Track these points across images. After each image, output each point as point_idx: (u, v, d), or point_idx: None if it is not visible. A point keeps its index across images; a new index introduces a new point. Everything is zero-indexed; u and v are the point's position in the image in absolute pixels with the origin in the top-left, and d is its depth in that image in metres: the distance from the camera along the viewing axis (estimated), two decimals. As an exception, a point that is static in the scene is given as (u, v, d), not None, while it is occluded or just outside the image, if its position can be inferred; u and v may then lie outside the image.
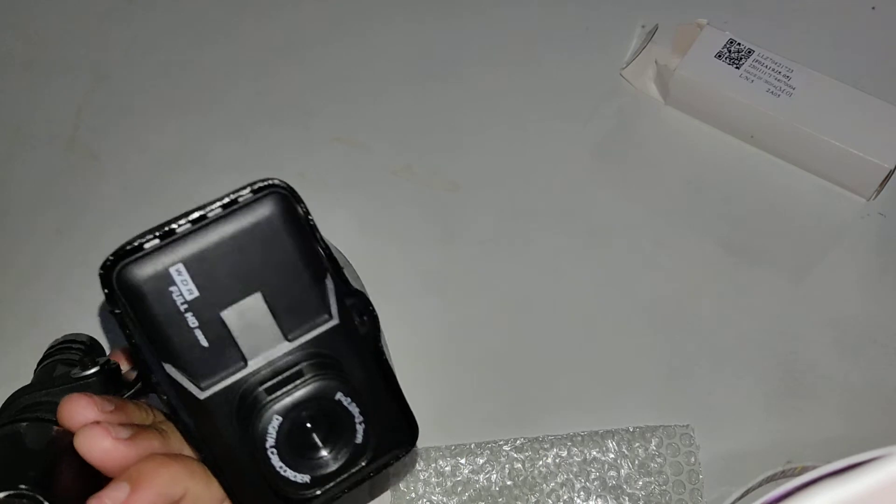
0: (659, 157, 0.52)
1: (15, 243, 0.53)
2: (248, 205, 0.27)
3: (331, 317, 0.28)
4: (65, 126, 0.56)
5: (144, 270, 0.26)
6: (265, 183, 0.27)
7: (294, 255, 0.27)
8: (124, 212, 0.53)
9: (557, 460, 0.44)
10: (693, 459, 0.44)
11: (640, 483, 0.44)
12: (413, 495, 0.43)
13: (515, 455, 0.44)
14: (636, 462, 0.44)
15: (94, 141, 0.55)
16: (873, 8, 0.55)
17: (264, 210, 0.27)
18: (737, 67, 0.50)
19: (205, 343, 0.27)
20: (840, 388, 0.46)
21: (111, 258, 0.26)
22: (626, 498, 0.43)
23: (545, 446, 0.44)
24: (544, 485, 0.44)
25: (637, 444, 0.44)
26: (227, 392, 0.27)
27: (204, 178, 0.53)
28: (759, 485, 0.42)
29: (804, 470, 0.42)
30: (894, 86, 0.51)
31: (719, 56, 0.50)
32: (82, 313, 0.50)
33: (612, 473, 0.44)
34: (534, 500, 0.43)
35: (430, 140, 0.53)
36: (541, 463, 0.44)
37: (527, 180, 0.52)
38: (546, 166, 0.52)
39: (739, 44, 0.51)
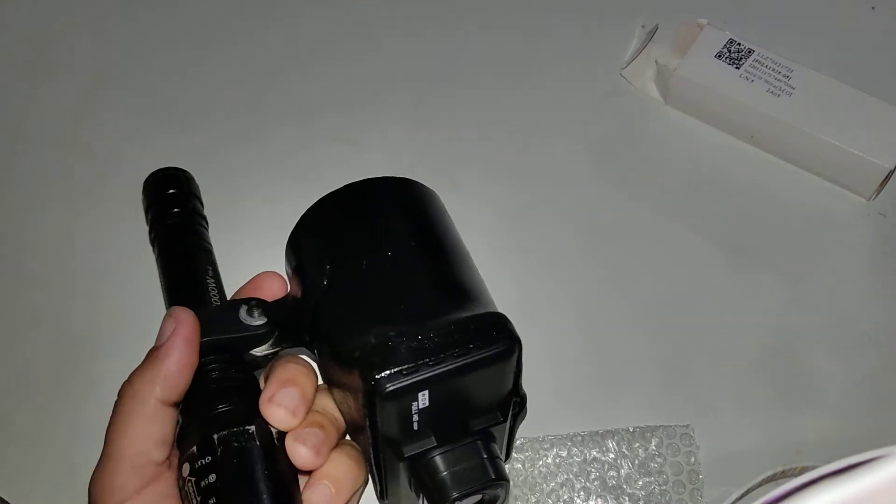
0: (659, 157, 0.52)
1: (15, 244, 0.53)
2: (486, 348, 0.34)
3: (504, 419, 0.36)
4: (65, 126, 0.56)
5: (402, 389, 0.33)
6: (502, 335, 0.34)
7: (500, 386, 0.35)
8: (124, 212, 0.53)
9: (557, 460, 0.44)
10: (693, 459, 0.44)
11: (640, 483, 0.44)
12: None
13: (515, 455, 0.44)
14: (636, 462, 0.44)
15: (95, 141, 0.55)
16: (873, 8, 0.55)
17: (495, 358, 0.34)
18: (737, 67, 0.50)
19: (415, 427, 0.34)
20: (840, 388, 0.46)
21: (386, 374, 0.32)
22: (626, 498, 0.43)
23: (545, 446, 0.44)
24: (544, 485, 0.44)
25: (637, 444, 0.44)
26: (418, 457, 0.35)
27: (203, 178, 0.53)
28: (759, 485, 0.42)
29: (804, 470, 0.42)
30: (894, 86, 0.51)
31: (719, 56, 0.50)
32: (83, 314, 0.50)
33: (612, 473, 0.44)
34: (534, 499, 0.43)
35: (430, 140, 0.53)
36: (541, 463, 0.44)
37: (527, 180, 0.52)
38: (546, 166, 0.52)
39: (739, 44, 0.51)
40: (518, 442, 0.44)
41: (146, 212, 0.45)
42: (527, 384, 0.47)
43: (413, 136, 0.54)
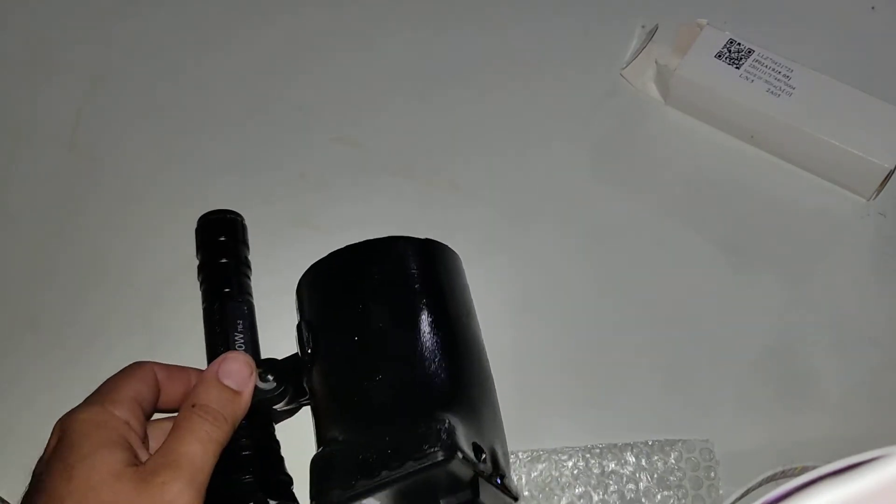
0: (659, 157, 0.52)
1: (15, 243, 0.53)
2: (419, 462, 0.35)
3: (476, 496, 0.38)
4: (65, 127, 0.56)
5: (344, 501, 0.35)
6: (435, 452, 0.35)
7: (456, 479, 0.37)
8: (124, 212, 0.53)
9: (575, 472, 0.44)
10: (713, 474, 0.43)
11: (659, 497, 0.43)
12: None
13: (533, 465, 0.44)
14: (655, 476, 0.43)
15: (94, 141, 0.55)
16: (873, 8, 0.55)
17: (431, 468, 0.35)
18: (737, 67, 0.50)
19: None
20: (840, 388, 0.46)
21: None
22: None
23: (563, 458, 0.44)
24: (563, 496, 0.43)
25: (656, 458, 0.44)
26: None
27: (204, 179, 0.53)
28: (759, 485, 0.42)
29: (804, 470, 0.42)
30: (894, 86, 0.51)
31: (719, 56, 0.50)
32: (82, 315, 0.50)
33: (631, 486, 0.43)
34: None
35: (430, 140, 0.53)
36: (559, 474, 0.44)
37: (527, 180, 0.52)
38: (546, 166, 0.52)
39: (739, 44, 0.51)
40: (536, 453, 0.44)
41: (196, 251, 0.47)
42: (538, 393, 0.47)
43: (413, 136, 0.54)
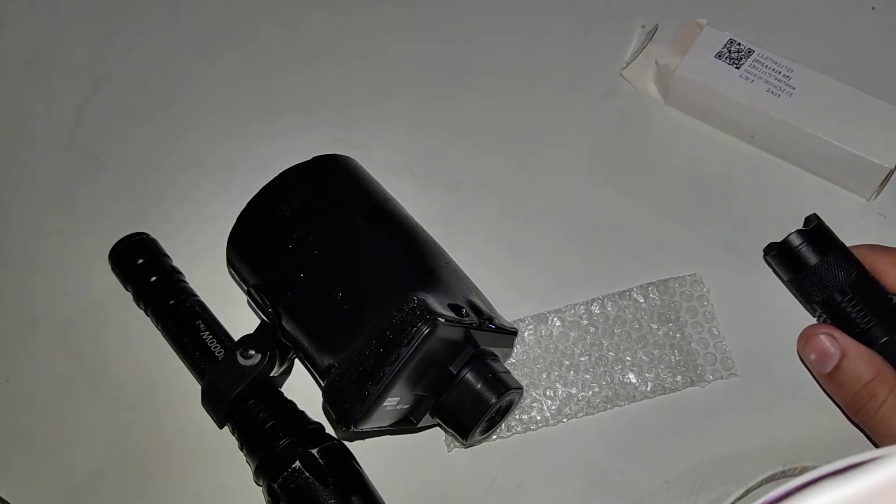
0: (659, 157, 0.52)
1: (15, 243, 0.53)
2: (411, 344, 0.36)
3: (477, 347, 0.40)
4: (65, 126, 0.56)
5: (363, 415, 0.37)
6: (417, 325, 0.37)
7: (451, 343, 0.39)
8: (124, 212, 0.53)
9: (584, 322, 0.47)
10: (706, 303, 0.47)
11: (662, 331, 0.47)
12: None
13: (539, 326, 0.47)
14: (655, 314, 0.47)
15: (94, 141, 0.55)
16: (873, 8, 0.55)
17: (425, 341, 0.37)
18: (737, 67, 0.50)
19: (399, 407, 0.39)
20: (840, 388, 0.46)
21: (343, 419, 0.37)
22: (652, 346, 0.47)
23: (568, 313, 0.48)
24: (574, 348, 0.47)
25: (653, 297, 0.47)
26: (424, 411, 0.41)
27: (204, 179, 0.53)
28: (759, 485, 0.42)
29: (804, 470, 0.42)
30: (894, 86, 0.51)
31: (719, 56, 0.50)
32: (82, 314, 0.50)
33: (636, 326, 0.47)
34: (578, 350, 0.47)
35: (430, 140, 0.53)
36: (566, 329, 0.48)
37: (527, 180, 0.52)
38: (546, 166, 0.52)
39: (739, 44, 0.51)
40: (543, 314, 0.47)
41: (124, 284, 0.48)
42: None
43: (414, 136, 0.54)
